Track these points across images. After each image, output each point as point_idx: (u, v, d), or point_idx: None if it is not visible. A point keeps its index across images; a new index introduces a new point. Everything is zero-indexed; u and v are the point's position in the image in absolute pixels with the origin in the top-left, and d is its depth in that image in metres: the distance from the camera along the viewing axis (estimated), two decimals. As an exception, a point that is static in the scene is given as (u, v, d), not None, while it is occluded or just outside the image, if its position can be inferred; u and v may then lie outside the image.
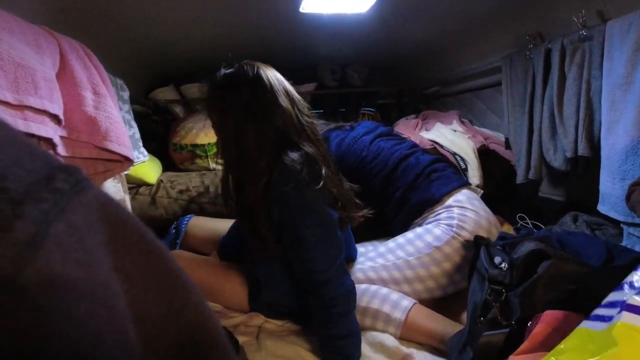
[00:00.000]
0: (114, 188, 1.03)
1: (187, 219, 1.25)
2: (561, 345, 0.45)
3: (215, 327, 0.26)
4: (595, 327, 0.45)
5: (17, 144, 0.19)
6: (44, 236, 0.17)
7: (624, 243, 0.95)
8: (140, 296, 0.22)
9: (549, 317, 0.54)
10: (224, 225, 1.18)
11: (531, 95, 1.28)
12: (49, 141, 0.71)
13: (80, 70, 0.82)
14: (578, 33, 1.08)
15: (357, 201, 0.98)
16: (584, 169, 1.10)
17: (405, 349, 0.85)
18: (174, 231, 1.23)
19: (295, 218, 0.80)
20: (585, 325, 0.46)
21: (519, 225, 1.38)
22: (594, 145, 1.07)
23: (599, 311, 0.47)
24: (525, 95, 1.31)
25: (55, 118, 0.72)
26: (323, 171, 0.84)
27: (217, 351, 0.26)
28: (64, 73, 0.78)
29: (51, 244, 0.17)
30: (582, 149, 1.07)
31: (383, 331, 0.91)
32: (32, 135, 0.66)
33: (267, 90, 0.86)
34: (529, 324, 0.57)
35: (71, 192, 0.19)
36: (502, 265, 0.64)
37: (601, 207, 0.97)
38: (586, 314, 0.54)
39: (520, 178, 1.33)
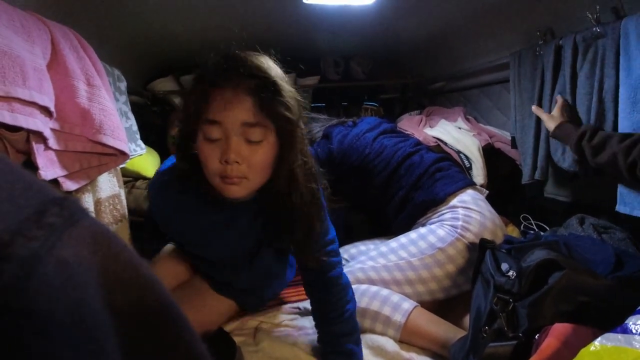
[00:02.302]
0: (109, 182, 1.00)
1: None
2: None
3: None
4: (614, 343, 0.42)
5: (11, 178, 0.19)
6: (28, 277, 0.17)
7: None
8: (131, 333, 0.21)
9: (558, 331, 0.52)
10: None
11: (540, 93, 1.24)
12: (39, 134, 0.68)
13: (73, 60, 0.78)
14: (591, 30, 1.04)
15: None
16: (593, 172, 1.07)
17: (405, 354, 0.83)
18: None
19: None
20: (602, 341, 0.43)
21: (522, 226, 1.35)
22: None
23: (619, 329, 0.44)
24: (533, 92, 1.27)
25: (45, 110, 0.68)
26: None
27: None
28: (55, 63, 0.74)
29: (37, 285, 0.17)
30: None
31: (382, 333, 0.90)
32: (21, 128, 0.63)
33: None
34: (536, 337, 0.55)
35: (63, 226, 0.19)
36: (510, 273, 0.62)
37: (620, 208, 0.95)
38: (598, 328, 0.52)
39: (526, 178, 1.30)
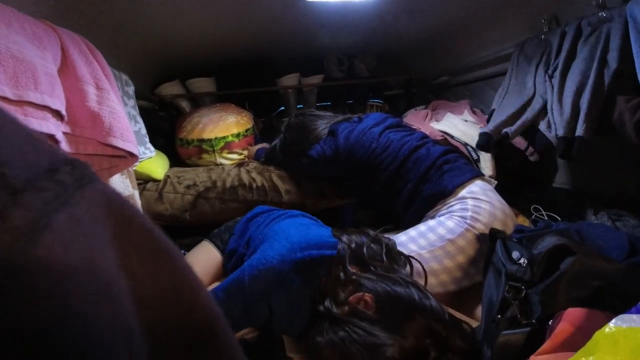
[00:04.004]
0: (122, 184, 1.02)
1: None
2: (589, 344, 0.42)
3: (224, 328, 0.25)
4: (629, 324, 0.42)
5: (23, 137, 0.18)
6: (44, 225, 0.16)
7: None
8: (147, 296, 0.21)
9: (571, 315, 0.51)
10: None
11: (535, 70, 1.19)
12: (52, 137, 0.70)
13: (83, 65, 0.80)
14: (597, 15, 1.03)
15: None
16: (578, 152, 0.98)
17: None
18: None
19: None
20: (616, 323, 0.43)
21: (533, 216, 1.34)
22: (593, 127, 0.96)
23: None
24: (528, 73, 1.22)
25: (57, 114, 0.70)
26: None
27: (226, 352, 0.25)
28: (65, 68, 0.76)
29: (52, 233, 0.16)
30: (581, 131, 0.97)
31: (395, 327, 0.89)
32: (34, 132, 0.65)
33: None
34: (549, 323, 0.54)
35: (75, 185, 0.18)
36: (521, 260, 0.61)
37: None
38: (612, 312, 0.51)
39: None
